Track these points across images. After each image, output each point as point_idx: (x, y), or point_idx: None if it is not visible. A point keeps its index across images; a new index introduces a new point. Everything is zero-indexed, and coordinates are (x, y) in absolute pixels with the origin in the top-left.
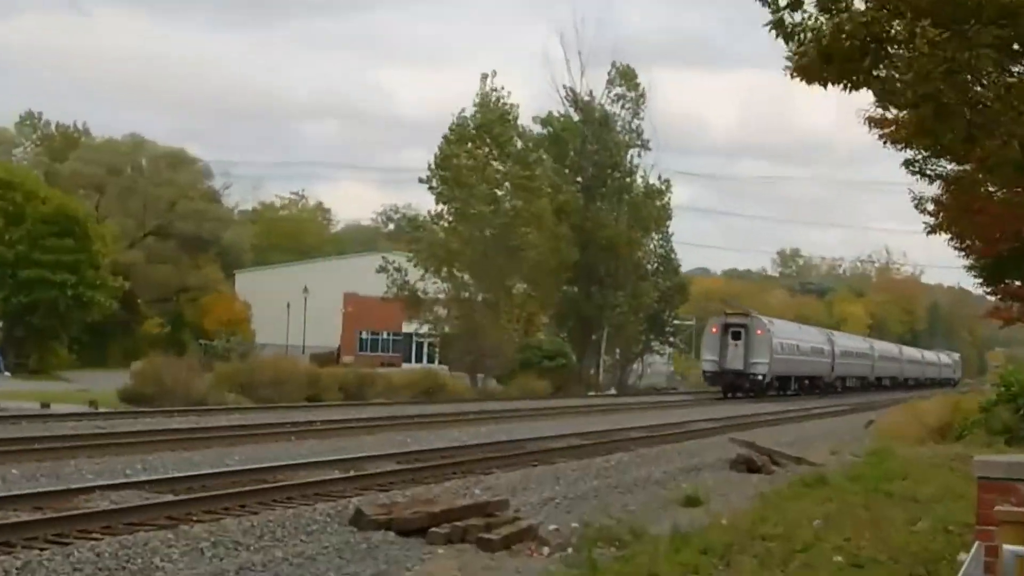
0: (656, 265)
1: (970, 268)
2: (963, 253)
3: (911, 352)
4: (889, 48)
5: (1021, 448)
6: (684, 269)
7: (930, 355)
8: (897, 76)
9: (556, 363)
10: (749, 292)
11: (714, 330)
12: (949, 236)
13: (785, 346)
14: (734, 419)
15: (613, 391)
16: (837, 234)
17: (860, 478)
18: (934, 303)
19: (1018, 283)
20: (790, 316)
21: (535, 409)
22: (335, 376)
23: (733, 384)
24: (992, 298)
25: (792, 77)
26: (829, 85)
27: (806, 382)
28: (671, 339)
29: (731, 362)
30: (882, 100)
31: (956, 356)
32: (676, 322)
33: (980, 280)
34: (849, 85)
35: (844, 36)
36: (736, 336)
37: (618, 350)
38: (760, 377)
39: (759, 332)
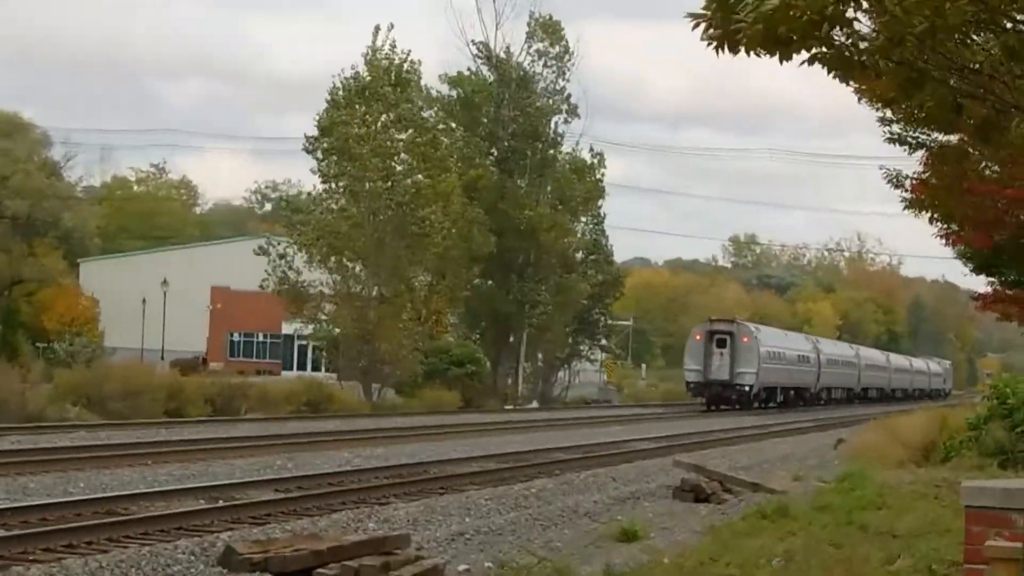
0: (586, 254)
1: (961, 257)
2: (949, 242)
3: (899, 360)
4: (851, 13)
5: (1017, 472)
6: (620, 259)
7: (919, 363)
8: (863, 43)
9: (467, 371)
10: (696, 286)
11: (698, 338)
12: (932, 219)
13: (772, 354)
14: (680, 437)
15: (535, 404)
16: (801, 217)
17: (828, 508)
18: (916, 299)
19: (1014, 277)
20: (744, 316)
21: (441, 426)
22: (201, 386)
23: (719, 396)
24: (987, 287)
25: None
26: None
27: (791, 393)
28: (604, 342)
29: (716, 372)
30: (841, 69)
31: (947, 364)
32: (610, 322)
33: (971, 269)
34: (804, 58)
35: (794, 11)
36: (721, 344)
37: (540, 355)
38: (747, 388)
39: (745, 340)
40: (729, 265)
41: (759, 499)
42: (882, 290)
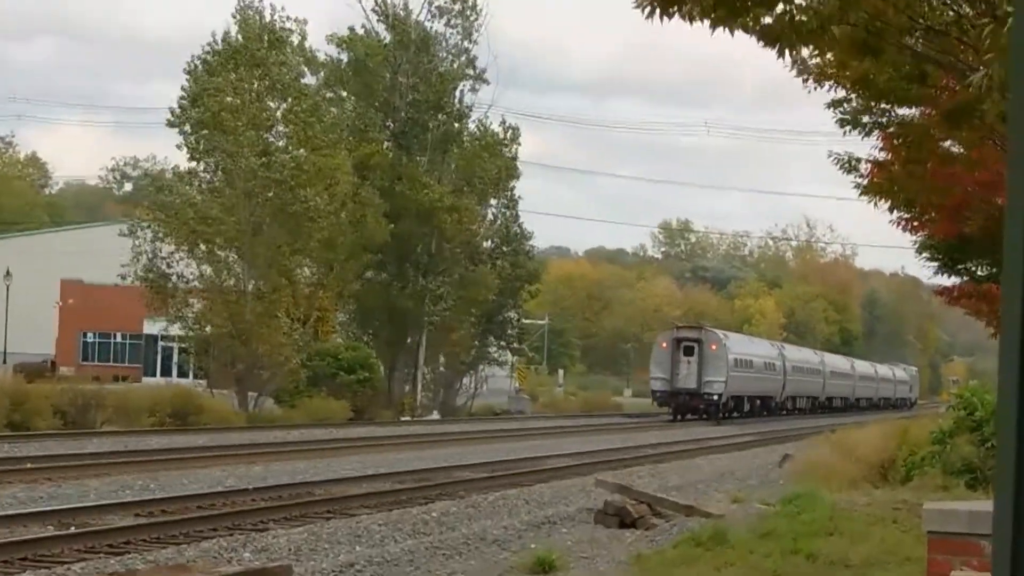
0: (497, 243)
1: (924, 247)
2: (910, 231)
3: (863, 367)
4: None
5: (987, 492)
6: (536, 249)
7: (884, 370)
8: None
9: (357, 377)
10: (622, 280)
11: (663, 345)
12: (892, 207)
13: (740, 362)
14: (603, 453)
15: (436, 415)
16: (742, 201)
17: (772, 535)
18: (872, 294)
19: (984, 270)
20: (676, 314)
21: (328, 441)
22: (49, 395)
23: (686, 405)
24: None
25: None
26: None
27: (757, 403)
28: (516, 344)
29: (683, 381)
30: (781, 40)
31: (913, 371)
32: (523, 321)
33: (937, 262)
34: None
35: None
36: (688, 352)
37: (443, 359)
38: (716, 397)
39: (713, 347)
40: (659, 256)
41: (693, 524)
42: (834, 284)
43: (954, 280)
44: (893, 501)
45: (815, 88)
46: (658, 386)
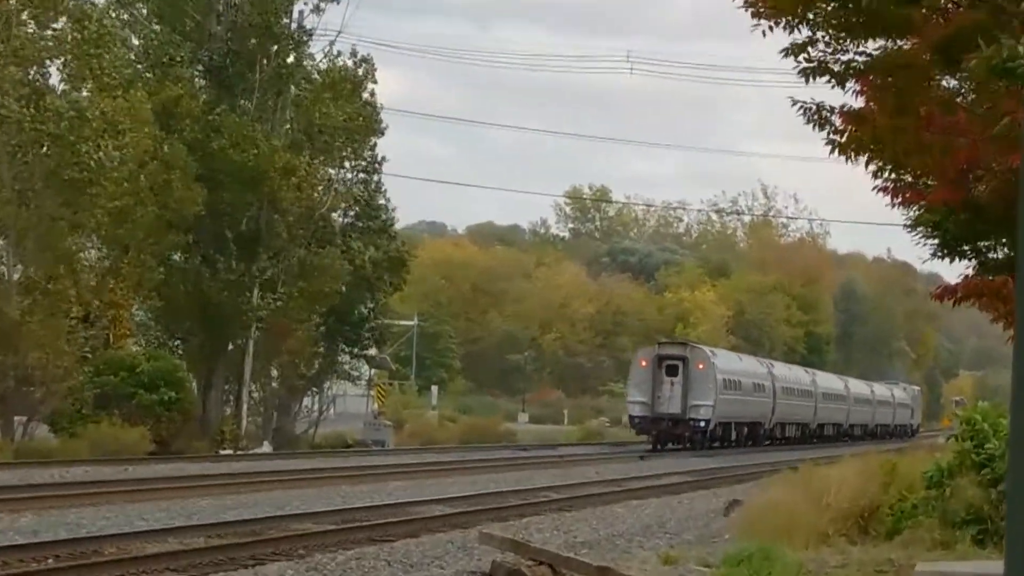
0: (350, 218)
1: (919, 222)
2: (898, 201)
3: (858, 387)
4: None
5: (998, 550)
6: (402, 225)
7: (881, 390)
8: None
9: (161, 397)
10: (517, 266)
11: (643, 364)
12: (877, 172)
13: (729, 383)
14: (490, 498)
15: (267, 447)
16: (674, 162)
17: None
18: (848, 286)
19: (1000, 252)
20: (591, 311)
21: (122, 481)
22: None
23: (668, 433)
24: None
25: None
26: None
27: (745, 430)
28: (375, 353)
29: (666, 405)
30: None
31: (915, 391)
32: (385, 322)
33: (935, 239)
34: None
35: None
36: (672, 371)
37: (276, 372)
38: (703, 423)
39: (700, 366)
40: (566, 234)
41: None
42: (799, 272)
43: (958, 269)
44: (876, 561)
45: (770, 29)
46: (637, 411)
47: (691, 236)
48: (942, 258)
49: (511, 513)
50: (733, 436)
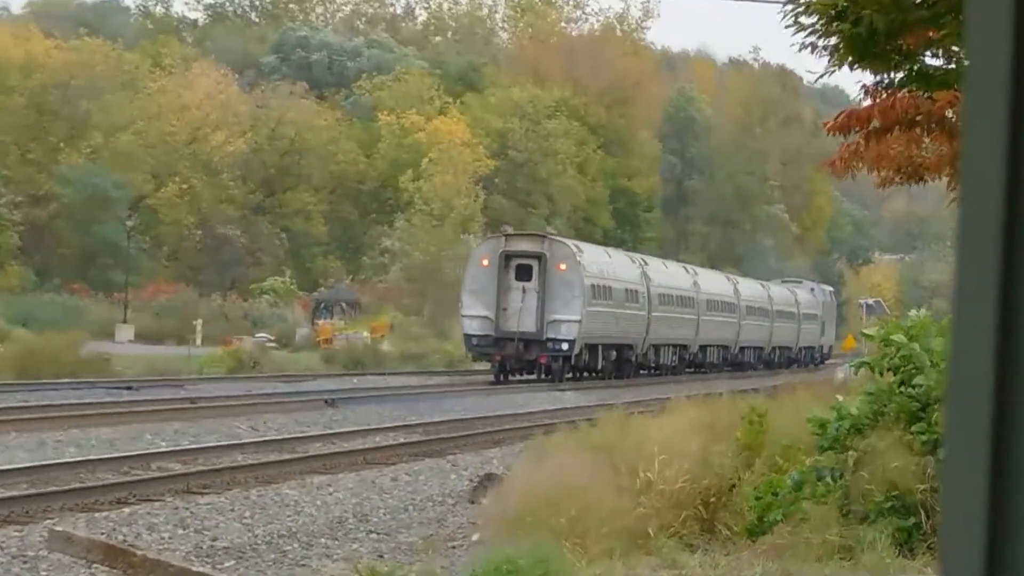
0: None
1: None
2: None
3: (752, 291)
4: None
5: (933, 556)
6: None
7: (781, 295)
8: None
9: None
10: (113, 67)
11: (484, 263)
12: None
13: (599, 290)
14: (81, 467)
15: None
16: None
17: None
18: (683, 109)
19: (939, 54)
20: (243, 147)
21: None
22: None
23: (519, 358)
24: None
25: None
26: None
27: (613, 355)
28: None
29: (517, 320)
30: None
31: (827, 293)
32: None
33: (839, 39)
34: None
35: None
36: (524, 274)
37: None
38: (565, 345)
39: (562, 267)
40: (200, 16)
41: None
42: (599, 85)
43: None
44: None
45: None
46: (475, 327)
47: (415, 23)
48: (851, 66)
49: (105, 498)
50: (600, 363)
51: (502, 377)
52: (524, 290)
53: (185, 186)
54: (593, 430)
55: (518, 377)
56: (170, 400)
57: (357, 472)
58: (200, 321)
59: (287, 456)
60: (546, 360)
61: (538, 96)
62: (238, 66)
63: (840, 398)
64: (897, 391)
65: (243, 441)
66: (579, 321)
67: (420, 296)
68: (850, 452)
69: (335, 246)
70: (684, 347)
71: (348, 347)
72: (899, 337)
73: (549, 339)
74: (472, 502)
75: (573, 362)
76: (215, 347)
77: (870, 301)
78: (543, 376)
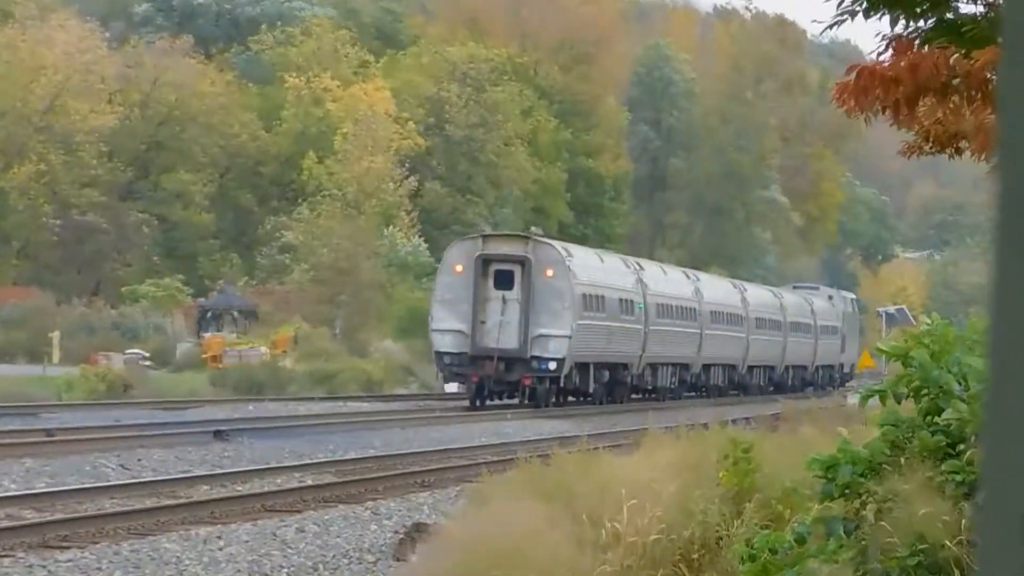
0: None
1: None
2: None
3: (761, 300)
4: None
5: None
6: None
7: (794, 303)
8: None
9: None
10: None
11: (457, 269)
12: None
13: (590, 300)
14: None
15: None
16: None
17: None
18: (655, 68)
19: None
20: (111, 117)
21: None
22: None
23: (499, 379)
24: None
25: None
26: None
27: (606, 376)
28: None
29: (497, 336)
30: None
31: (848, 301)
32: None
33: None
34: None
35: None
36: (504, 282)
37: None
38: (552, 364)
39: (549, 274)
40: None
41: None
42: (553, 41)
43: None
44: None
45: None
46: (447, 344)
47: None
48: (866, 14)
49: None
50: (591, 386)
51: (479, 402)
52: (505, 300)
53: (41, 166)
54: (547, 469)
55: (497, 401)
56: (20, 432)
57: (253, 521)
58: (58, 333)
59: (167, 502)
60: (531, 382)
61: (477, 54)
62: (104, 17)
63: (844, 432)
64: (921, 422)
65: (112, 483)
66: (569, 337)
67: (330, 303)
68: (864, 498)
69: (225, 240)
70: (685, 367)
71: (242, 366)
72: (921, 354)
73: (534, 357)
74: (397, 559)
75: (562, 384)
76: (77, 366)
77: (891, 309)
78: (527, 400)
